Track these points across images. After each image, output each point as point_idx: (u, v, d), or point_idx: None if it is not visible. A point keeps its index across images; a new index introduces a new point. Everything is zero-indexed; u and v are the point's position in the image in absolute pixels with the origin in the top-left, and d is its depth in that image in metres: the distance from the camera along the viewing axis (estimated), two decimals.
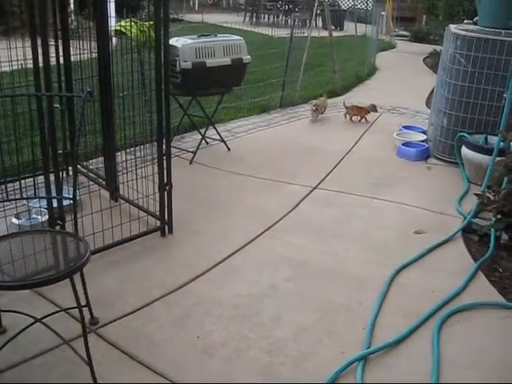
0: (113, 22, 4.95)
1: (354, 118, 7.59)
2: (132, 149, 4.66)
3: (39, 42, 3.41)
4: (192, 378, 2.78)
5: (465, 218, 4.60)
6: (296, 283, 3.68)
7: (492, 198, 3.90)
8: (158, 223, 4.16)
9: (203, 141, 5.99)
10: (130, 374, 2.79)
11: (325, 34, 10.42)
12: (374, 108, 7.58)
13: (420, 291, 3.63)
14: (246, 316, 3.29)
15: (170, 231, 4.19)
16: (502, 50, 5.45)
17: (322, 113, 7.64)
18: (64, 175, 4.72)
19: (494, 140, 5.18)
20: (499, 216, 3.85)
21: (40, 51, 3.43)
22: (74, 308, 2.70)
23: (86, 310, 3.00)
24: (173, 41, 5.40)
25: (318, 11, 13.86)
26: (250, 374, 2.84)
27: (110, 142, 4.52)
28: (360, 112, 7.52)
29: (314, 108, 7.46)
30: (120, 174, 4.55)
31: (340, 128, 7.28)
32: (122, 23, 5.60)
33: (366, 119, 7.58)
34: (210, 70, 5.54)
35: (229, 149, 6.12)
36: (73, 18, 5.36)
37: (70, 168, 4.86)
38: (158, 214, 4.15)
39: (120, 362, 2.87)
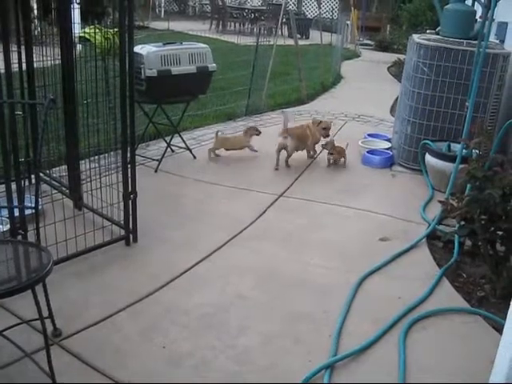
0: (77, 29, 4.90)
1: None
2: (96, 157, 4.61)
3: (1, 48, 3.35)
4: None
5: (429, 224, 4.65)
6: (262, 291, 3.66)
7: (455, 204, 3.93)
8: (123, 232, 4.11)
9: (169, 149, 5.95)
10: None
11: (290, 42, 10.48)
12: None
13: (386, 298, 3.65)
14: (212, 325, 3.27)
15: (135, 240, 4.15)
16: (463, 59, 5.55)
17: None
18: (26, 184, 4.64)
19: (456, 147, 5.26)
20: (463, 222, 3.88)
21: (1, 57, 3.37)
22: (36, 320, 2.64)
23: (48, 322, 2.94)
24: (138, 48, 5.36)
25: (284, 20, 13.92)
26: None
27: (74, 149, 4.45)
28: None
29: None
30: (84, 182, 4.49)
31: None
32: (87, 30, 5.55)
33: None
34: (175, 78, 5.51)
35: (194, 157, 6.09)
36: (36, 23, 5.29)
37: (33, 176, 4.77)
38: (122, 222, 4.10)
39: (83, 373, 2.82)
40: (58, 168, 4.86)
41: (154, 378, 2.82)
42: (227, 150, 6.26)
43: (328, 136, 6.16)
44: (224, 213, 4.80)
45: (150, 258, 4.01)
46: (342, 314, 3.39)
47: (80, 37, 5.42)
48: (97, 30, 4.97)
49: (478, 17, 6.01)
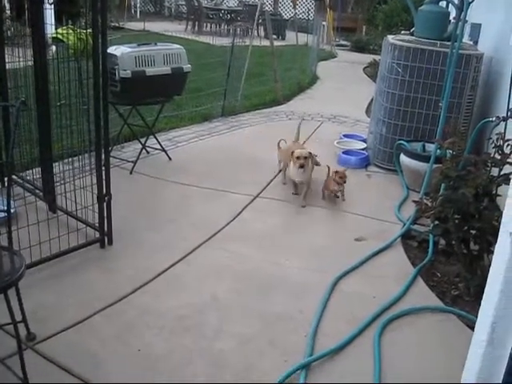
0: (50, 30, 4.85)
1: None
2: (70, 159, 4.57)
3: None
4: None
5: (404, 224, 4.69)
6: (238, 293, 3.66)
7: (430, 204, 3.97)
8: (98, 235, 4.08)
9: (144, 150, 5.92)
10: None
11: (266, 43, 10.50)
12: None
13: (361, 298, 3.67)
14: (188, 327, 3.26)
15: (110, 242, 4.12)
16: (437, 60, 5.60)
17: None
18: None
19: (431, 148, 5.30)
20: (437, 222, 3.92)
21: None
22: (8, 324, 2.61)
23: (22, 326, 2.91)
24: (112, 49, 5.32)
25: (260, 20, 13.94)
26: None
27: (47, 151, 4.41)
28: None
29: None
30: (58, 184, 4.45)
31: (281, 137, 7.28)
32: (60, 30, 5.50)
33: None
34: (149, 79, 5.48)
35: (170, 158, 6.06)
36: (9, 24, 5.23)
37: (6, 179, 4.72)
38: (97, 225, 4.07)
39: (58, 378, 2.79)
40: (31, 170, 4.82)
41: (129, 382, 2.80)
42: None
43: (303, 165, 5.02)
44: (200, 214, 4.79)
45: (126, 260, 3.98)
46: (318, 314, 3.40)
47: (53, 37, 5.38)
48: (70, 31, 4.93)
49: (451, 18, 6.06)
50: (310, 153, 5.19)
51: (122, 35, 9.06)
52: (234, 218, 4.73)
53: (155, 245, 4.21)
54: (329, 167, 5.34)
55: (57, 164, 4.57)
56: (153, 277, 3.76)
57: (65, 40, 5.24)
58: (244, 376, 2.90)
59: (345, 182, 5.11)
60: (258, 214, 4.88)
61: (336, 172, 5.11)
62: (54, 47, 5.06)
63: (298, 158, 5.02)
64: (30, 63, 4.29)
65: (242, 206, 4.98)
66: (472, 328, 3.18)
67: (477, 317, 2.16)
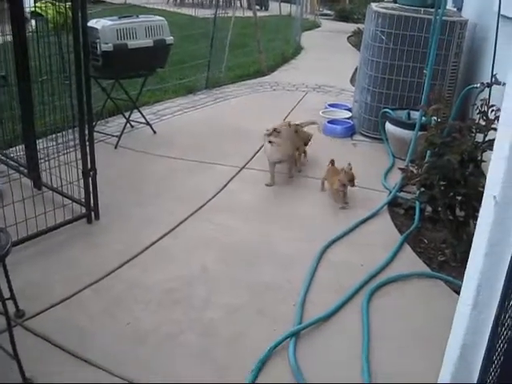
0: (29, 3, 4.77)
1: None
2: (54, 135, 4.53)
3: None
4: (125, 366, 2.74)
5: (390, 192, 4.70)
6: (226, 264, 3.67)
7: (415, 171, 3.99)
8: (84, 210, 4.06)
9: (128, 124, 5.87)
10: (60, 367, 2.72)
11: (250, 14, 10.39)
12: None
13: (349, 266, 3.69)
14: (177, 300, 3.27)
15: (97, 217, 4.11)
16: (421, 27, 5.57)
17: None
18: None
19: (416, 115, 5.30)
20: (423, 189, 3.94)
21: None
22: None
23: (10, 303, 2.90)
24: (93, 22, 5.24)
25: None
26: (184, 359, 2.82)
27: (30, 128, 4.36)
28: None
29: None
30: (42, 161, 4.41)
31: (267, 108, 7.27)
32: (38, 4, 5.40)
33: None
34: (131, 52, 5.41)
35: (155, 132, 6.03)
36: None
37: None
38: (83, 200, 4.05)
39: (50, 354, 2.80)
40: (14, 148, 4.77)
41: (119, 356, 2.81)
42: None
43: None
44: (186, 187, 4.77)
45: (113, 234, 3.97)
46: (306, 284, 3.42)
47: (32, 12, 5.28)
48: (49, 5, 4.85)
49: None
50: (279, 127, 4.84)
51: (102, 9, 8.91)
52: (221, 190, 4.73)
53: (142, 219, 4.20)
54: (332, 161, 4.87)
55: (40, 140, 4.52)
56: (140, 250, 3.76)
57: (44, 14, 5.16)
58: (234, 345, 2.92)
59: (353, 186, 4.58)
60: (245, 186, 4.87)
61: (345, 173, 4.55)
62: (33, 21, 4.98)
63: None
64: (9, 38, 4.22)
65: (228, 177, 4.97)
66: (458, 293, 3.22)
67: (463, 281, 2.17)
